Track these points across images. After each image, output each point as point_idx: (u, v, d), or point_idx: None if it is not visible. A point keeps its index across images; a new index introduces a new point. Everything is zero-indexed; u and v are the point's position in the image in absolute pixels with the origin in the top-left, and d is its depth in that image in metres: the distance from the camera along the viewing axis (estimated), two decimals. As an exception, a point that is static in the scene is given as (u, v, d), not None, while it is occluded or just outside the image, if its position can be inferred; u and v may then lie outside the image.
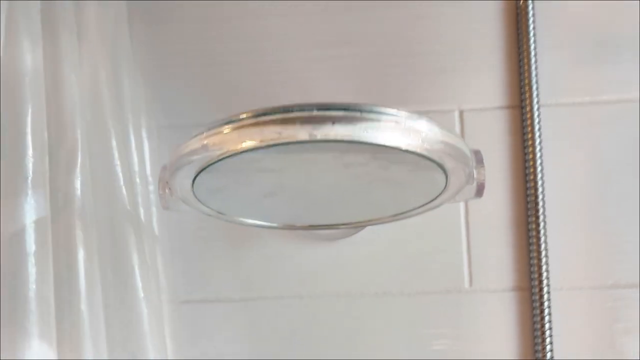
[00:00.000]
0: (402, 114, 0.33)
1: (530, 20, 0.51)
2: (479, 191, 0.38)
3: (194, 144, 0.34)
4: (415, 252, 0.52)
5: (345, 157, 0.36)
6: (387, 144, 0.32)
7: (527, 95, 0.51)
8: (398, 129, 0.32)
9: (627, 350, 0.50)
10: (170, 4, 0.54)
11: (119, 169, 0.45)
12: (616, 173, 0.51)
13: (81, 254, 0.41)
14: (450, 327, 0.51)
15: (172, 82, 0.54)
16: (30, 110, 0.39)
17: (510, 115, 0.52)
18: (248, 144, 0.32)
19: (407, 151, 0.33)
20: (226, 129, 0.32)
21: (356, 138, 0.32)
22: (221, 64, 0.54)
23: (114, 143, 0.45)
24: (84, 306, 0.40)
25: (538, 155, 0.50)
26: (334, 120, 0.31)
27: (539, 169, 0.50)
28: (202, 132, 0.33)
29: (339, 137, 0.31)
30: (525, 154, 0.51)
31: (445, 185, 0.37)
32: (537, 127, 0.50)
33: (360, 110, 0.32)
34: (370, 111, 0.32)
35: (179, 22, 0.54)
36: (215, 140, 0.33)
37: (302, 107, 0.32)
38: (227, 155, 0.33)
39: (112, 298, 0.44)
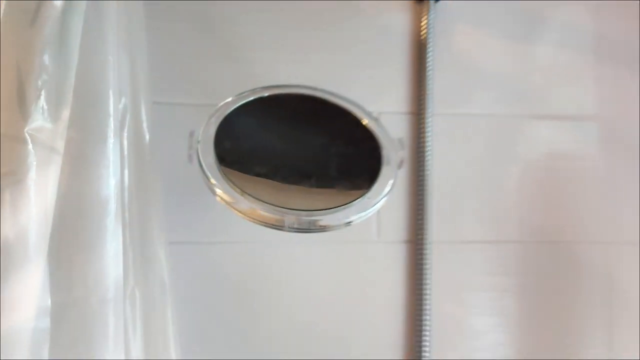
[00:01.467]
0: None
1: (429, 51, 0.74)
2: (400, 165, 0.59)
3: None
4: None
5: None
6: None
7: (423, 105, 0.73)
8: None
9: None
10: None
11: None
12: (479, 163, 0.75)
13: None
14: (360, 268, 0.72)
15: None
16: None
17: (412, 119, 0.74)
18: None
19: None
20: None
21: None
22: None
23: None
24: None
25: (428, 146, 0.73)
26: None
27: (428, 156, 0.73)
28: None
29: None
30: (419, 143, 0.73)
31: (381, 162, 0.58)
32: (428, 129, 0.73)
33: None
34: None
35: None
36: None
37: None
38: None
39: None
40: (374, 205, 0.55)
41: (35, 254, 0.44)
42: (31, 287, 0.44)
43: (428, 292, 0.71)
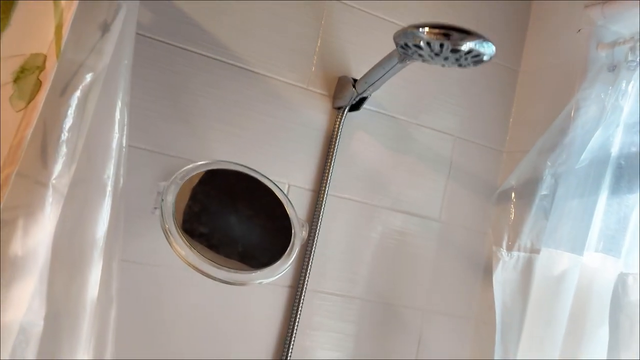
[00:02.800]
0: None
1: (336, 146, 0.98)
2: (302, 241, 0.82)
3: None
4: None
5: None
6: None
7: (324, 185, 0.97)
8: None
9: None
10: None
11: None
12: (354, 236, 1.01)
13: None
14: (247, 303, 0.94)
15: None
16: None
17: (312, 195, 0.98)
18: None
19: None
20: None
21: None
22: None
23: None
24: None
25: (321, 217, 0.97)
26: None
27: (319, 225, 0.97)
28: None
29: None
30: (314, 214, 0.97)
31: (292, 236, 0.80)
32: (323, 205, 0.97)
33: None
34: None
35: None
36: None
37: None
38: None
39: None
40: (282, 271, 0.77)
41: (37, 269, 0.60)
42: (28, 294, 0.60)
43: (296, 327, 0.95)
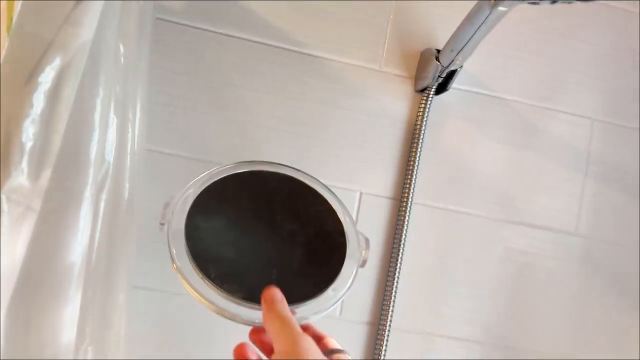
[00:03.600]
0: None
1: (421, 141, 0.76)
2: (363, 264, 0.61)
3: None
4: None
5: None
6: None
7: (406, 193, 0.75)
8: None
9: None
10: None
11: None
12: (452, 259, 0.77)
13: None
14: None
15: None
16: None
17: (392, 204, 0.76)
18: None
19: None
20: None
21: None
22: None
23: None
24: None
25: (404, 234, 0.75)
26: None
27: (402, 244, 0.75)
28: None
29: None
30: (396, 233, 0.75)
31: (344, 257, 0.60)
32: (407, 217, 0.75)
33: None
34: None
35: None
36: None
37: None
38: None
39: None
40: (329, 308, 0.57)
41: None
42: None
43: (381, 375, 0.73)
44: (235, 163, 0.59)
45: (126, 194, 0.60)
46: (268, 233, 0.60)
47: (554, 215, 0.79)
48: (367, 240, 0.61)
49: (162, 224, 0.56)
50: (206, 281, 0.55)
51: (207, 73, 0.74)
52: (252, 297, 0.57)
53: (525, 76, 0.79)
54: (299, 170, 0.61)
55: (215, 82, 0.74)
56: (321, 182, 0.61)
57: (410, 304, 0.76)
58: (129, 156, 0.60)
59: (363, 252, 0.60)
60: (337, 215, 0.61)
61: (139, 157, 0.64)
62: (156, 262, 0.70)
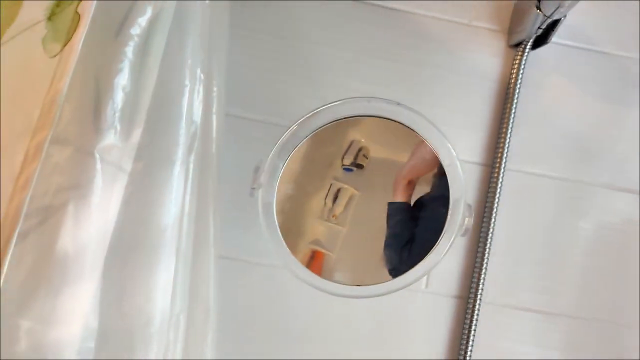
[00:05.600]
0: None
1: (515, 102, 0.71)
2: (464, 233, 0.57)
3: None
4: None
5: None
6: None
7: (499, 157, 0.71)
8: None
9: None
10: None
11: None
12: (550, 230, 0.73)
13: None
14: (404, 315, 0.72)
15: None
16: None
17: (484, 171, 0.72)
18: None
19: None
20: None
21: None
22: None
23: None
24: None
25: (496, 203, 0.71)
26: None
27: (494, 215, 0.71)
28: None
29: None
30: (487, 199, 0.72)
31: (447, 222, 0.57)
32: (499, 185, 0.71)
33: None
34: None
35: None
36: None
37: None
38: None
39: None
40: (417, 277, 0.54)
41: (90, 271, 0.46)
42: (82, 306, 0.46)
43: (470, 351, 0.70)
44: (329, 104, 0.56)
45: (214, 158, 0.58)
46: (376, 196, 0.57)
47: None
48: (470, 207, 0.57)
49: (254, 189, 0.55)
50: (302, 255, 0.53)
51: (287, 32, 0.71)
52: (354, 272, 0.55)
53: (626, 27, 0.73)
54: (412, 112, 0.57)
55: (295, 41, 0.71)
56: (441, 132, 0.57)
57: (505, 277, 0.72)
58: (214, 117, 0.59)
59: (467, 219, 0.57)
60: (445, 175, 0.57)
61: (222, 119, 0.62)
62: (239, 230, 0.69)
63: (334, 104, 0.54)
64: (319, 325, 0.71)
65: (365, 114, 0.54)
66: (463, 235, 0.57)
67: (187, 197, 0.53)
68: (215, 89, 0.59)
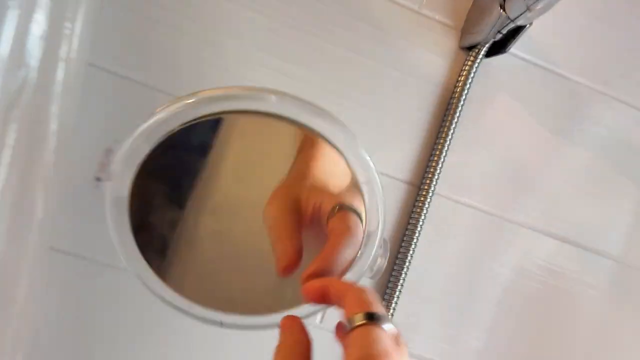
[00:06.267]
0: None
1: (456, 116, 0.60)
2: (377, 274, 0.45)
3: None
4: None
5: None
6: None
7: (429, 179, 0.59)
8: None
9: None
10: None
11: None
12: (467, 269, 0.63)
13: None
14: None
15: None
16: None
17: (409, 191, 0.60)
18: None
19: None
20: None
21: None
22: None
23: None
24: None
25: (417, 232, 0.59)
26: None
27: (413, 245, 0.59)
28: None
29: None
30: (409, 225, 0.60)
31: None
32: (424, 210, 0.59)
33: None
34: None
35: None
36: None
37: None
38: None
39: None
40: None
41: None
42: None
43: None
44: (204, 94, 0.40)
45: (52, 122, 0.41)
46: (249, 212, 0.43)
47: (594, 230, 0.65)
48: (385, 242, 0.45)
49: (99, 180, 0.39)
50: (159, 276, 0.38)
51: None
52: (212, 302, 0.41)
53: (590, 52, 0.64)
54: (319, 109, 0.42)
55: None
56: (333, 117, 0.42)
57: (415, 321, 0.61)
58: (63, 64, 0.42)
59: (379, 260, 0.44)
60: (360, 191, 0.44)
61: (78, 71, 0.45)
62: (85, 221, 0.52)
63: (226, 92, 0.39)
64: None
65: (265, 111, 0.39)
66: (372, 278, 0.45)
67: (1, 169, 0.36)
68: (67, 24, 0.42)
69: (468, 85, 0.59)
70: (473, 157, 0.62)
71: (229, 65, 0.55)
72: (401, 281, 0.59)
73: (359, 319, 0.32)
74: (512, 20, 0.55)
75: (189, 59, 0.55)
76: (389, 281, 0.59)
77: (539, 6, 0.51)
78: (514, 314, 0.64)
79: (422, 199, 0.59)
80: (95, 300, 0.54)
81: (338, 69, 0.58)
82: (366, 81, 0.59)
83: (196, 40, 0.55)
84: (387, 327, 0.32)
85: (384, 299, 0.59)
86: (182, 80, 0.54)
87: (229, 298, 0.42)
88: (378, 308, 0.33)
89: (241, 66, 0.56)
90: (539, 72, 0.62)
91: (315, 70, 0.57)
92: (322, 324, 0.59)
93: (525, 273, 0.64)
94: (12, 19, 0.35)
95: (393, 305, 0.59)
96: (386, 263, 0.44)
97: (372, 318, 0.32)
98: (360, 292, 0.34)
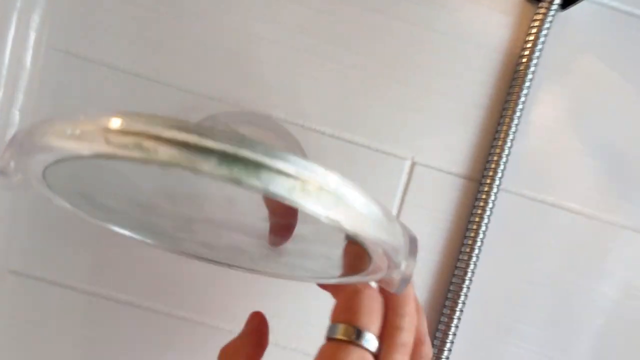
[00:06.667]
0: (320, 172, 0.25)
1: (523, 92, 0.46)
2: (403, 283, 0.33)
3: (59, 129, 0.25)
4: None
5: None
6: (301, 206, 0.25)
7: (491, 172, 0.47)
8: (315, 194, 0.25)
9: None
10: None
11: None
12: (556, 287, 0.49)
13: None
14: None
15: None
16: None
17: (467, 187, 0.48)
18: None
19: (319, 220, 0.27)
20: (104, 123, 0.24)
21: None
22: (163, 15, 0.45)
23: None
24: None
25: (480, 237, 0.47)
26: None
27: (475, 253, 0.47)
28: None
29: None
30: (469, 229, 0.47)
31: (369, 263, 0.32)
32: (487, 211, 0.47)
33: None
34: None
35: None
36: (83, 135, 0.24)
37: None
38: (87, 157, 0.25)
39: None
40: None
41: None
42: None
43: None
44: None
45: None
46: None
47: None
48: (413, 240, 0.33)
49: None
50: None
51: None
52: None
53: None
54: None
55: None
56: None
57: (471, 347, 0.48)
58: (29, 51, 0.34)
59: (403, 262, 0.32)
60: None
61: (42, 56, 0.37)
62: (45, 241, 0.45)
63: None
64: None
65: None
66: (397, 290, 0.33)
67: None
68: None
69: (540, 46, 0.46)
70: (551, 143, 0.48)
71: (233, 44, 0.45)
72: (460, 305, 0.47)
73: (338, 331, 0.28)
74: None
75: (186, 45, 0.45)
76: (445, 303, 0.47)
77: None
78: (618, 345, 0.49)
79: (483, 196, 0.47)
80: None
81: (369, 38, 0.47)
82: (401, 52, 0.47)
83: (197, 18, 0.45)
84: (368, 345, 0.28)
85: (440, 322, 0.47)
86: (164, 64, 0.45)
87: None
88: (362, 321, 0.28)
89: (244, 46, 0.46)
90: (637, 23, 0.47)
91: (340, 42, 0.46)
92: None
93: (633, 292, 0.49)
94: None
95: (450, 337, 0.47)
96: (414, 267, 0.32)
97: (350, 333, 0.28)
98: (352, 294, 0.29)
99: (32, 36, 0.42)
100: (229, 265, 0.39)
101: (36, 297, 0.46)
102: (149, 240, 0.38)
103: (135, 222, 0.37)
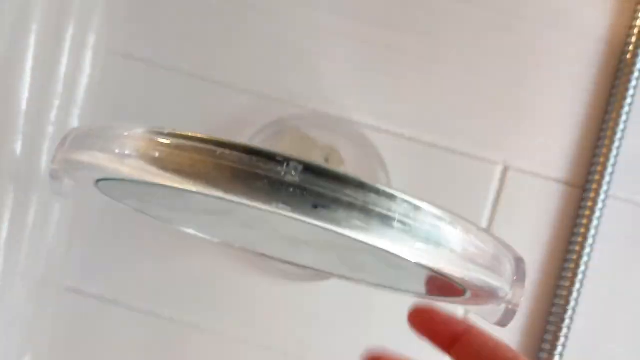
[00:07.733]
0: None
1: (633, 78, 0.41)
2: (506, 316, 0.27)
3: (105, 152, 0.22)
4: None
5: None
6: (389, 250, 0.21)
7: (597, 177, 0.41)
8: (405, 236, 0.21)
9: None
10: None
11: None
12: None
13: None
14: None
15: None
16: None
17: (566, 193, 0.42)
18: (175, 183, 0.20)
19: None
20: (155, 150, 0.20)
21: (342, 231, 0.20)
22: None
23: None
24: None
25: (587, 246, 0.41)
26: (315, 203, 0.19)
27: (583, 261, 0.41)
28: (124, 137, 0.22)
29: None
30: (572, 238, 0.42)
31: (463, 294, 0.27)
32: (595, 219, 0.41)
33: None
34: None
35: None
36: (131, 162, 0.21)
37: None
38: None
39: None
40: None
41: None
42: None
43: None
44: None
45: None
46: None
47: None
48: (520, 262, 0.28)
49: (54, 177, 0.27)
50: None
51: None
52: None
53: None
54: None
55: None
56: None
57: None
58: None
59: (508, 291, 0.27)
60: None
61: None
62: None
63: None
64: None
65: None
66: (501, 324, 0.27)
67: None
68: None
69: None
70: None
71: (286, 41, 0.42)
72: (564, 331, 0.40)
73: None
74: None
75: (222, 37, 0.43)
76: (547, 328, 0.41)
77: None
78: None
79: (589, 204, 0.41)
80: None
81: (451, 30, 0.43)
82: (489, 46, 0.42)
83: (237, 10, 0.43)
84: None
85: (542, 350, 0.41)
86: (216, 63, 0.42)
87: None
88: None
89: (304, 38, 0.42)
90: None
91: (418, 38, 0.43)
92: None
93: None
94: None
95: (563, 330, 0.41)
96: (523, 295, 0.27)
97: None
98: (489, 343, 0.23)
99: (92, 38, 0.40)
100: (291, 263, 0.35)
101: (93, 315, 0.42)
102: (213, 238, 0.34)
103: (203, 225, 0.33)
